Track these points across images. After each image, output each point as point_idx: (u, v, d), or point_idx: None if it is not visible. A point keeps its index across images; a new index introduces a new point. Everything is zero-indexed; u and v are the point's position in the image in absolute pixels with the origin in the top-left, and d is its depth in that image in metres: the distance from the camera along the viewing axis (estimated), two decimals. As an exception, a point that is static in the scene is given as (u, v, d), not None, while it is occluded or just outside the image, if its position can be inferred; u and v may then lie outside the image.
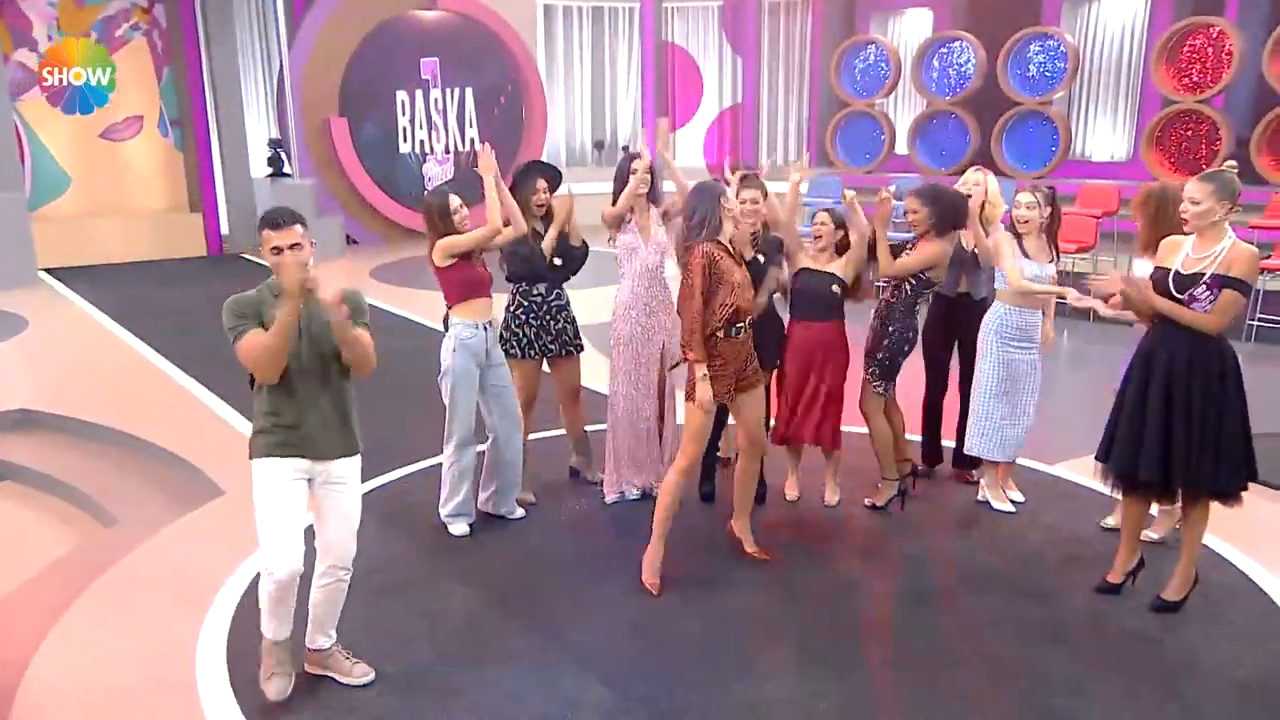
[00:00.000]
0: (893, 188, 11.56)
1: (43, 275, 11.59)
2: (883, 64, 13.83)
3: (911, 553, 5.06)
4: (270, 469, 3.44)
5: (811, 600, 4.59)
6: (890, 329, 5.16)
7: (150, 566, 4.86)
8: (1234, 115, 11.06)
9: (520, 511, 5.30)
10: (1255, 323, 8.69)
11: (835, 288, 4.96)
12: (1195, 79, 11.03)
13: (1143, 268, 4.75)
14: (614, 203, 5.27)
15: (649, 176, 5.24)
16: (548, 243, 5.22)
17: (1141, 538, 4.58)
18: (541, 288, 5.28)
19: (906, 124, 13.89)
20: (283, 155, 13.63)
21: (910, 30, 14.48)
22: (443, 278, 4.91)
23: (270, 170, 13.66)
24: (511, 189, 5.23)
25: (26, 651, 4.10)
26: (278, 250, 3.21)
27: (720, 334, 4.10)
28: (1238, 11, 11.15)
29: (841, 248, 5.17)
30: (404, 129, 14.53)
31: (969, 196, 5.15)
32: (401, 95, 14.38)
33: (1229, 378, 4.21)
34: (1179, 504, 4.48)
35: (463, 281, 4.86)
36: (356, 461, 3.61)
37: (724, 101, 16.79)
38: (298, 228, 3.31)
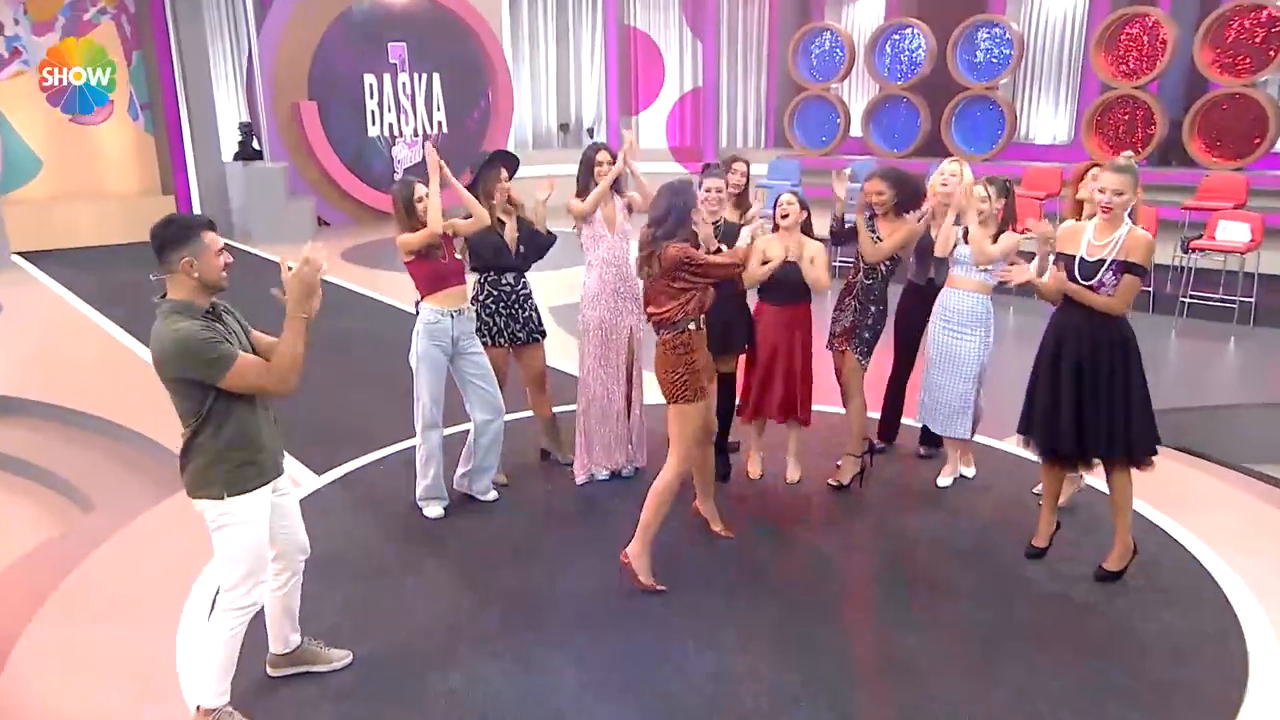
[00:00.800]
0: (849, 170, 11.57)
1: (16, 259, 11.46)
2: (838, 50, 13.75)
3: (870, 527, 5.09)
4: (253, 504, 3.20)
5: (777, 574, 4.62)
6: (872, 309, 5.17)
7: (130, 552, 4.74)
8: (1167, 100, 11.08)
9: (493, 494, 5.23)
10: (1187, 300, 8.78)
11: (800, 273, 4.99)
12: (1131, 66, 11.01)
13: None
14: (579, 192, 5.20)
15: (615, 171, 5.19)
16: (509, 234, 5.17)
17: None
18: (510, 277, 5.22)
19: (861, 108, 13.86)
20: (254, 138, 13.32)
21: (864, 17, 14.44)
22: (409, 269, 4.85)
23: (240, 153, 13.29)
24: (474, 180, 5.18)
25: (8, 643, 4.01)
26: (222, 252, 3.04)
27: (692, 326, 4.06)
28: (1171, 2, 11.15)
29: (805, 229, 5.15)
30: (372, 112, 14.26)
31: (944, 185, 5.16)
32: (370, 79, 14.16)
33: (1131, 353, 4.28)
34: (1082, 471, 4.65)
35: (428, 275, 4.80)
36: None
37: (685, 85, 16.64)
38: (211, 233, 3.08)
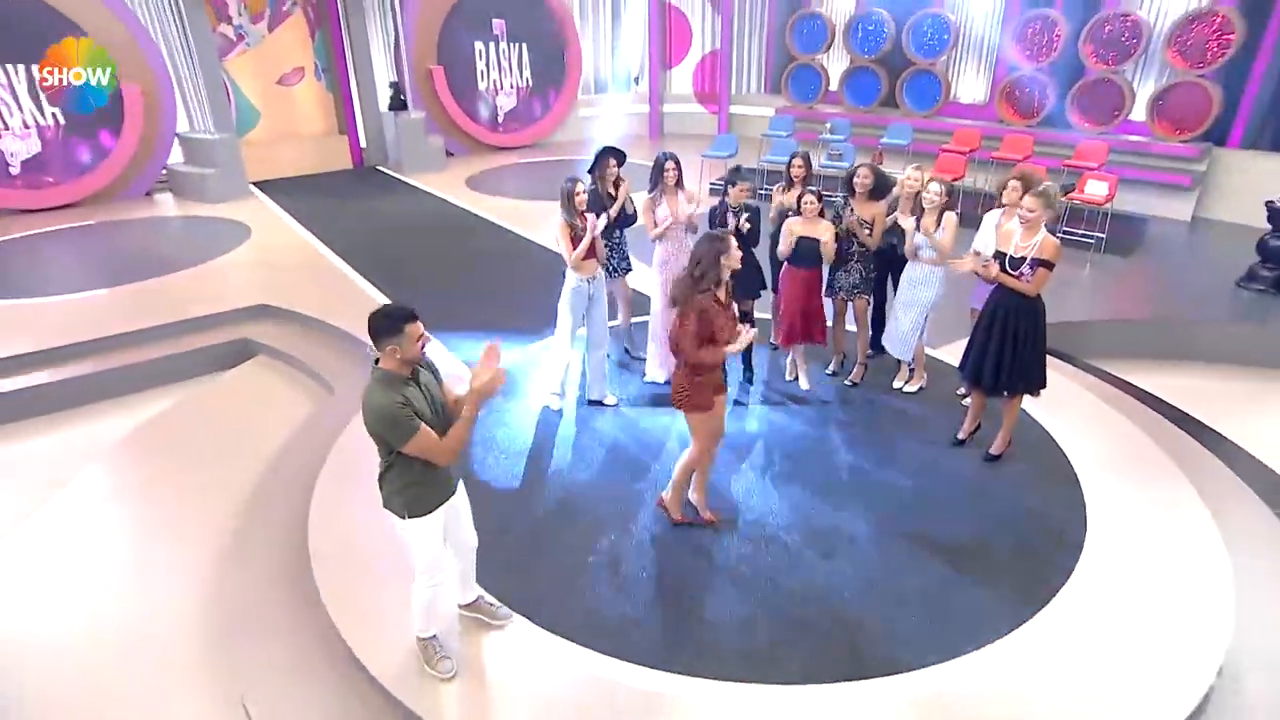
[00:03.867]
0: (829, 125, 12.47)
1: (251, 188, 11.72)
2: (822, 29, 13.86)
3: (851, 414, 5.27)
4: (434, 521, 2.99)
5: (778, 437, 4.95)
6: (872, 272, 5.33)
7: (358, 442, 4.45)
8: (1058, 80, 11.12)
9: (612, 398, 5.27)
10: (1063, 234, 8.75)
11: (820, 247, 5.06)
12: (1033, 52, 11.15)
13: (991, 218, 5.12)
14: (650, 186, 5.22)
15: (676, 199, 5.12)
16: (613, 211, 5.24)
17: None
18: (617, 233, 5.42)
19: (838, 73, 13.86)
20: (400, 93, 13.59)
21: (843, 5, 14.23)
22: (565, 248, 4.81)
23: (391, 104, 13.39)
24: (592, 166, 5.30)
25: (309, 491, 4.31)
26: (422, 337, 2.77)
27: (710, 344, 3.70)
28: (1064, 5, 11.12)
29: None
30: (481, 72, 14.44)
31: (910, 181, 5.03)
32: (479, 46, 14.25)
33: (1039, 322, 4.37)
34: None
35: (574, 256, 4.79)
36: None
37: (706, 47, 16.55)
38: (416, 323, 2.75)
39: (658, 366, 5.51)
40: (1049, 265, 4.17)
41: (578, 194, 4.72)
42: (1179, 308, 7.25)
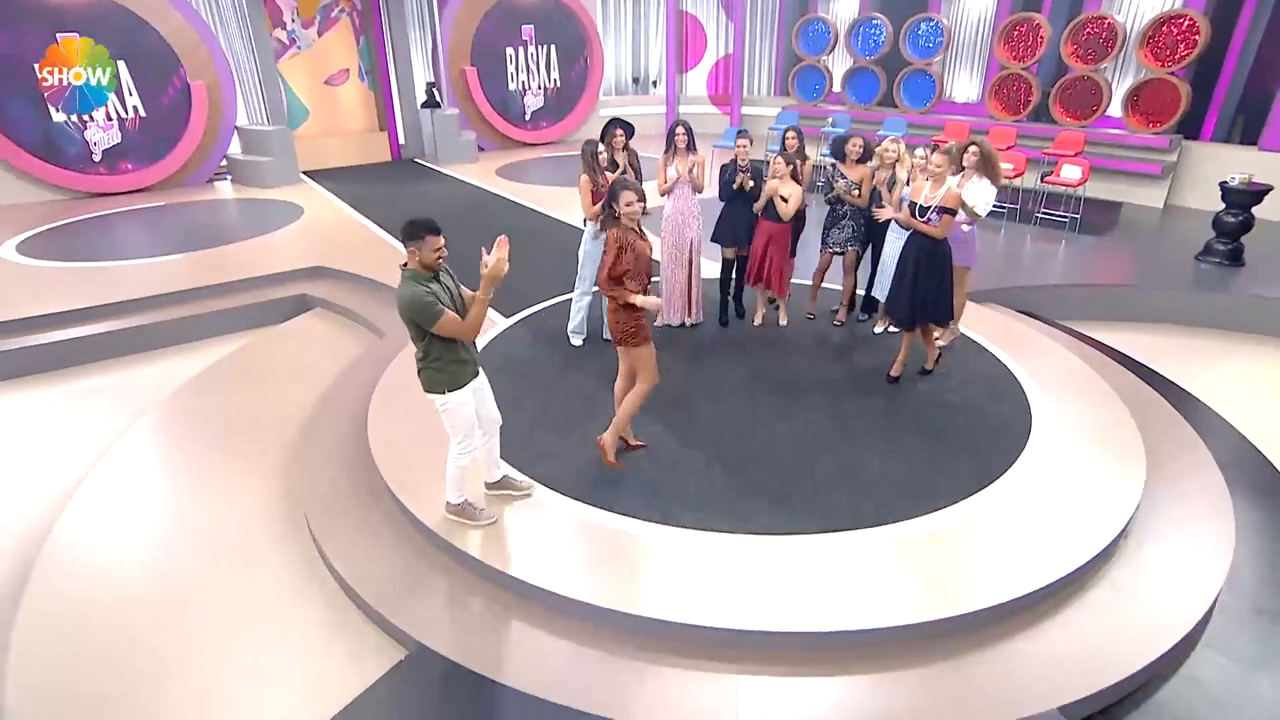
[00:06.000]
0: (831, 119, 12.99)
1: (303, 176, 12.40)
2: (826, 33, 14.23)
3: (828, 350, 5.63)
4: (467, 394, 3.34)
5: (762, 364, 5.37)
6: (861, 227, 5.68)
7: (409, 362, 5.06)
8: (1042, 78, 11.62)
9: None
10: (1040, 214, 9.51)
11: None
12: (1020, 53, 11.52)
13: (973, 184, 5.24)
14: (665, 150, 5.54)
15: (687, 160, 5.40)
16: (618, 172, 5.32)
17: (935, 343, 5.14)
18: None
19: (840, 73, 14.23)
20: (436, 93, 14.11)
21: (845, 10, 14.54)
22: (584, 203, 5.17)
23: (425, 103, 13.88)
24: (602, 135, 5.43)
25: (365, 408, 4.80)
26: (440, 249, 3.08)
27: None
28: (1050, 9, 11.52)
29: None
30: (511, 74, 14.91)
31: (888, 150, 5.46)
32: (510, 51, 14.70)
33: (945, 263, 4.79)
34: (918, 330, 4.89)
35: (595, 208, 5.10)
36: None
37: (720, 52, 16.99)
38: (437, 235, 3.07)
39: (669, 312, 5.89)
40: (951, 212, 4.55)
41: (600, 154, 5.15)
42: (1143, 277, 7.67)
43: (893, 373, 5.06)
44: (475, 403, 3.41)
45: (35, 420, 5.59)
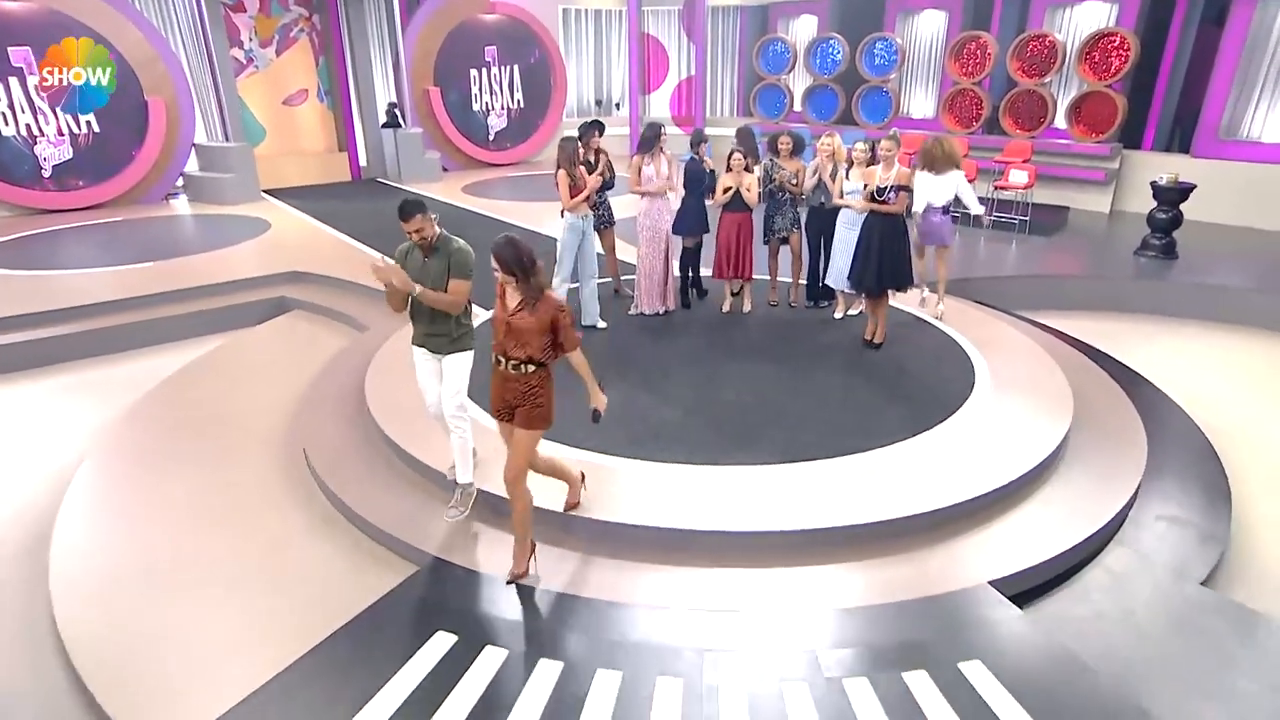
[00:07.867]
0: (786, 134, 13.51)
1: (264, 194, 12.94)
2: (786, 52, 15.13)
3: (797, 332, 6.34)
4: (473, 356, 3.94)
5: (732, 340, 6.04)
6: (799, 214, 6.38)
7: (397, 346, 5.74)
8: (992, 93, 12.61)
9: (602, 323, 6.32)
10: (992, 218, 10.49)
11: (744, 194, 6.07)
12: (971, 70, 12.50)
13: (922, 177, 6.14)
14: (638, 149, 6.12)
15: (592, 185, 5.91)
16: (593, 180, 6.00)
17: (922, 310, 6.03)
18: (600, 195, 6.40)
19: (800, 91, 15.18)
20: (398, 114, 14.74)
21: (803, 30, 15.54)
22: (561, 192, 5.73)
23: (385, 123, 14.56)
24: (580, 135, 6.10)
25: (361, 382, 5.30)
26: (418, 231, 3.61)
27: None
28: (998, 27, 12.65)
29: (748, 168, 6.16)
30: (474, 94, 15.64)
31: (824, 145, 6.13)
32: (473, 71, 15.46)
33: (902, 237, 5.52)
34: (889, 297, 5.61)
35: (572, 199, 5.79)
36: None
37: (682, 74, 17.83)
38: (417, 216, 3.54)
39: (650, 301, 6.53)
40: (907, 189, 5.37)
41: (578, 151, 5.75)
42: (1086, 269, 8.68)
43: (876, 339, 5.67)
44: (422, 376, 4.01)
45: (24, 411, 6.08)
